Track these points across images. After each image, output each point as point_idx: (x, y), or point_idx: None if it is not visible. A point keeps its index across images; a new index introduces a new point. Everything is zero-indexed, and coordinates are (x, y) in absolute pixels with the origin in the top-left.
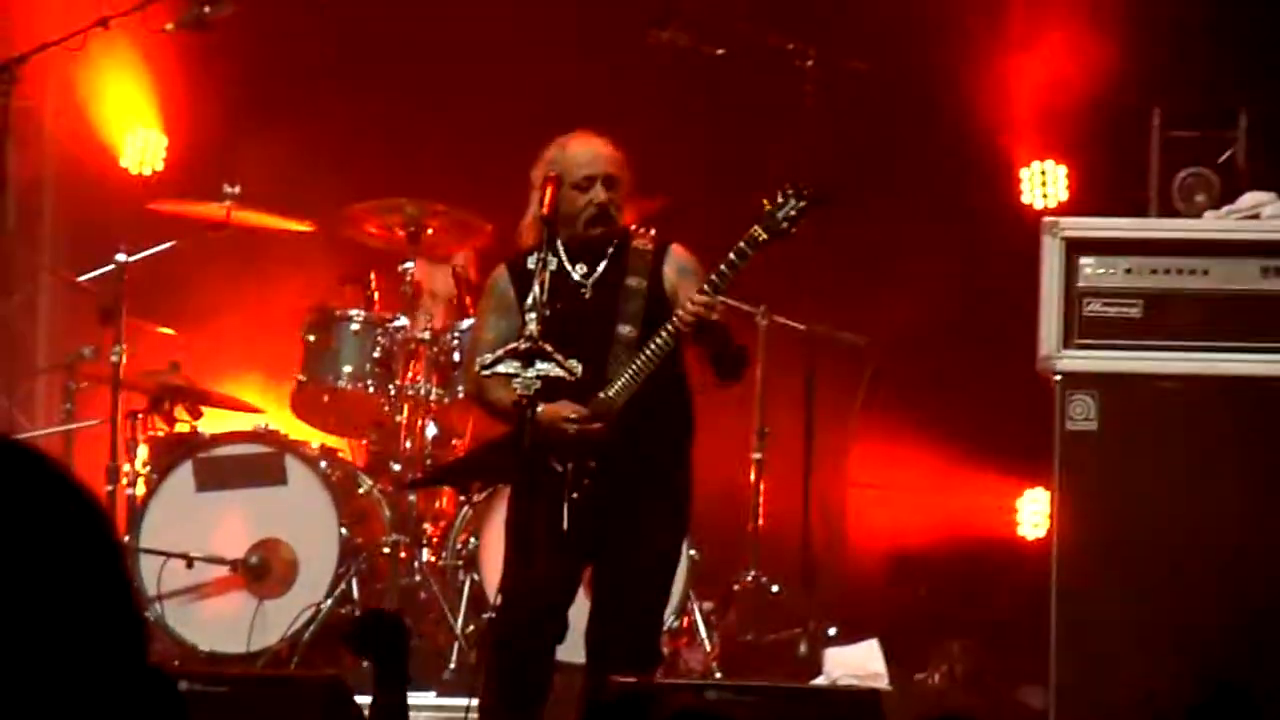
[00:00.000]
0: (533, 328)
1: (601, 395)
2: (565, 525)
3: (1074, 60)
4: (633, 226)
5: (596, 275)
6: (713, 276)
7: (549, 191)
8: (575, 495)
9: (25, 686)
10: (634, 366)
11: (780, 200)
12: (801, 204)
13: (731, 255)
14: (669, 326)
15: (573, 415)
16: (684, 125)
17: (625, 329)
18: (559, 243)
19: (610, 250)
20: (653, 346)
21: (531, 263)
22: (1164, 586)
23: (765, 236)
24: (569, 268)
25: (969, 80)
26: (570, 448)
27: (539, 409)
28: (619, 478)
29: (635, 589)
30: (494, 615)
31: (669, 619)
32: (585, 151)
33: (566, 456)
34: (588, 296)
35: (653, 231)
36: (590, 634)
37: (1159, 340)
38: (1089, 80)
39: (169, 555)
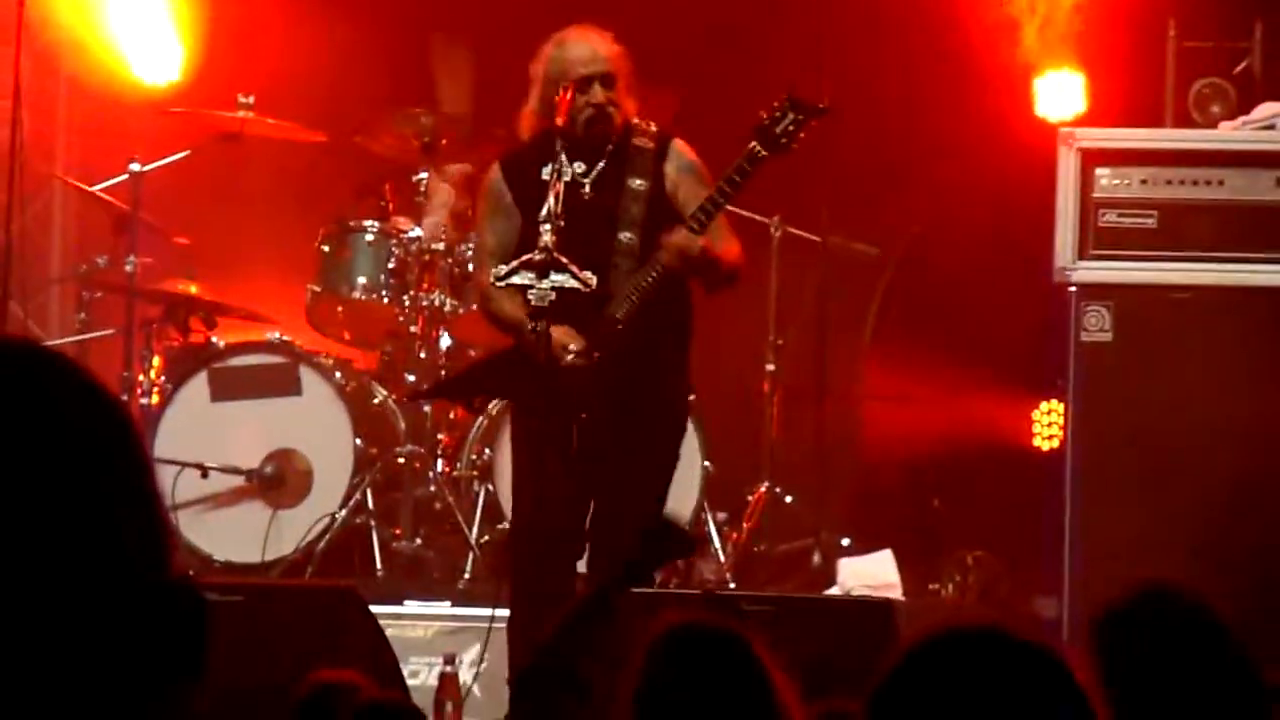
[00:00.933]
0: (547, 239)
1: (606, 316)
2: (575, 445)
3: None
4: (634, 120)
5: (596, 173)
6: (715, 196)
7: (564, 101)
8: (584, 415)
9: (48, 594)
10: (635, 289)
11: (778, 114)
12: (799, 117)
13: (731, 174)
14: (662, 258)
15: (574, 346)
16: (697, 31)
17: (626, 236)
18: (557, 141)
19: (610, 148)
20: (652, 274)
21: (547, 173)
22: (1178, 496)
23: (765, 153)
24: (567, 165)
25: None
26: (572, 374)
27: (532, 326)
28: (620, 387)
29: (634, 493)
30: (511, 540)
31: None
32: (583, 49)
33: (570, 381)
34: (587, 196)
35: (654, 127)
36: (590, 542)
37: (1174, 251)
38: None
39: (184, 465)
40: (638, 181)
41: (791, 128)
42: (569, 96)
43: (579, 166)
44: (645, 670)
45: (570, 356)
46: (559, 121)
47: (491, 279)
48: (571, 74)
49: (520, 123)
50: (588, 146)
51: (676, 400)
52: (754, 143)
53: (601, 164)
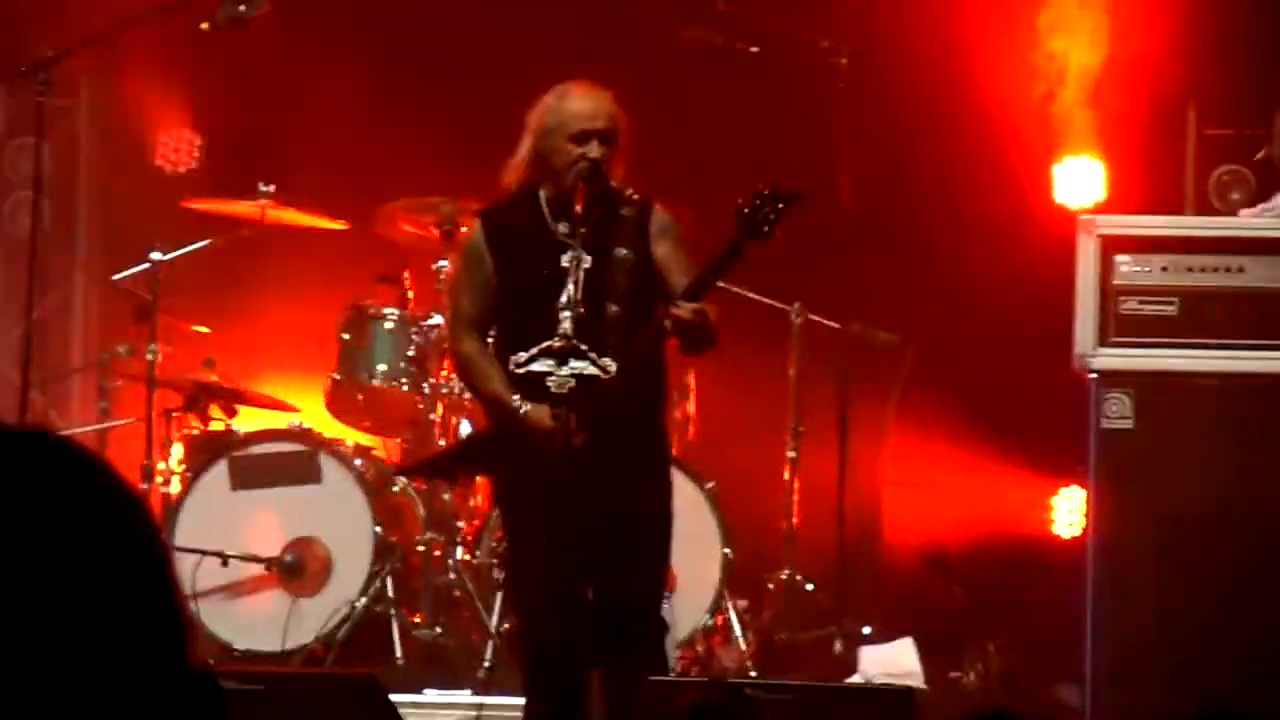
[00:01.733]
0: (566, 326)
1: (591, 393)
2: (571, 528)
3: (1110, 57)
4: (618, 186)
5: (583, 238)
6: (692, 285)
7: (580, 189)
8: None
9: (67, 685)
10: (622, 368)
11: (757, 202)
12: (779, 205)
13: (714, 262)
14: (658, 328)
15: (555, 428)
16: (716, 123)
17: (613, 308)
18: (541, 195)
19: (597, 210)
20: (637, 353)
21: (566, 259)
22: (1199, 585)
23: (747, 242)
24: (551, 224)
25: (1004, 76)
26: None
27: (526, 409)
28: (610, 449)
29: (637, 562)
30: (521, 630)
31: (704, 617)
32: (586, 103)
33: (566, 464)
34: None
35: (634, 194)
36: (595, 615)
37: (1195, 338)
38: (1125, 77)
39: (204, 553)
40: (623, 252)
41: (772, 216)
42: (585, 188)
43: (563, 227)
44: None
45: (553, 441)
46: (577, 209)
47: (512, 366)
48: (572, 126)
49: (507, 173)
50: (573, 205)
51: (662, 467)
52: (737, 233)
53: (586, 230)
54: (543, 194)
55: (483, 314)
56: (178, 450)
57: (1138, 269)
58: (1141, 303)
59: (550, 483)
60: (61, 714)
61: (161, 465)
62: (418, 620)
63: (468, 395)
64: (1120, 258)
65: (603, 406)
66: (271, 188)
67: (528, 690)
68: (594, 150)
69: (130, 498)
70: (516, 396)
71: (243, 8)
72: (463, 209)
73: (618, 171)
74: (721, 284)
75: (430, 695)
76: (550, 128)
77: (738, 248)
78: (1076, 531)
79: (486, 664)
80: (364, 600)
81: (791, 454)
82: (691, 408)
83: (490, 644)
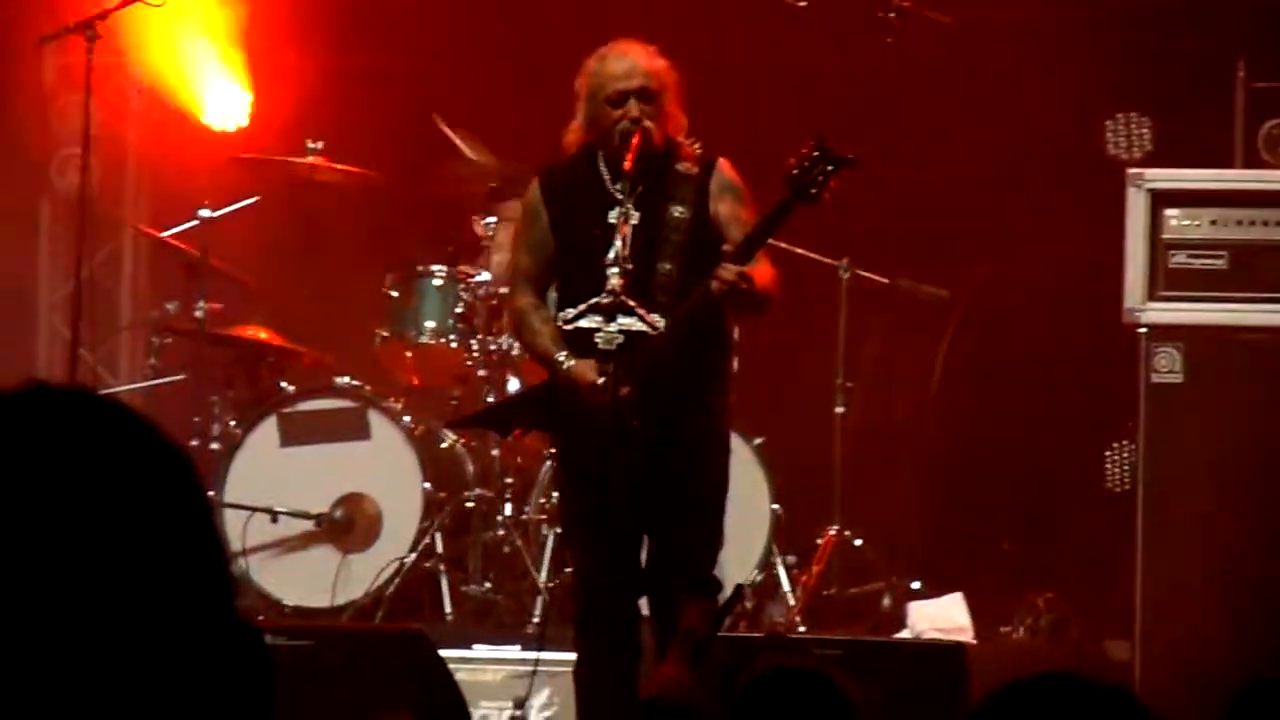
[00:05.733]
0: (615, 282)
1: (645, 345)
2: (622, 481)
3: (1156, 11)
4: (679, 140)
5: (637, 196)
6: (740, 247)
7: (634, 144)
8: (627, 451)
9: (110, 641)
10: (671, 327)
11: (806, 164)
12: (829, 167)
13: (762, 223)
14: (705, 290)
15: (599, 382)
16: (766, 77)
17: (665, 267)
18: (599, 155)
19: (654, 169)
20: (686, 312)
21: (614, 216)
22: (1248, 539)
23: (795, 205)
24: (608, 183)
25: (1052, 32)
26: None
27: (570, 364)
28: (660, 406)
29: (688, 520)
30: (574, 582)
31: (753, 573)
32: (621, 64)
33: (612, 417)
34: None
35: (698, 148)
36: (649, 573)
37: (1244, 292)
38: (1173, 31)
39: (253, 510)
40: (679, 210)
41: (821, 178)
42: (635, 142)
43: (618, 186)
44: (745, 706)
45: (598, 394)
46: (626, 167)
47: (560, 323)
48: (608, 89)
49: (566, 136)
50: (624, 168)
51: (721, 421)
52: (785, 194)
53: (641, 187)
54: (600, 154)
55: (540, 270)
56: (227, 407)
57: (1187, 223)
58: (1191, 256)
59: (605, 439)
60: (106, 669)
61: (211, 423)
62: (467, 576)
63: (515, 351)
64: (1169, 212)
65: (654, 363)
66: (320, 144)
67: (579, 645)
68: (633, 110)
69: (172, 454)
70: (563, 353)
71: None
72: (510, 166)
73: (674, 125)
74: (770, 240)
75: (480, 650)
76: (593, 91)
77: (786, 209)
78: (1127, 486)
79: (535, 619)
80: (413, 556)
81: (839, 410)
82: (735, 364)
83: (540, 599)
